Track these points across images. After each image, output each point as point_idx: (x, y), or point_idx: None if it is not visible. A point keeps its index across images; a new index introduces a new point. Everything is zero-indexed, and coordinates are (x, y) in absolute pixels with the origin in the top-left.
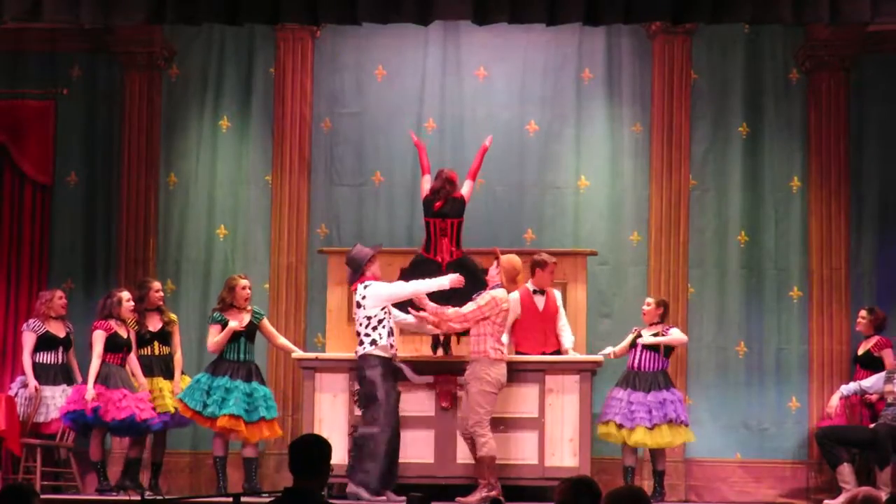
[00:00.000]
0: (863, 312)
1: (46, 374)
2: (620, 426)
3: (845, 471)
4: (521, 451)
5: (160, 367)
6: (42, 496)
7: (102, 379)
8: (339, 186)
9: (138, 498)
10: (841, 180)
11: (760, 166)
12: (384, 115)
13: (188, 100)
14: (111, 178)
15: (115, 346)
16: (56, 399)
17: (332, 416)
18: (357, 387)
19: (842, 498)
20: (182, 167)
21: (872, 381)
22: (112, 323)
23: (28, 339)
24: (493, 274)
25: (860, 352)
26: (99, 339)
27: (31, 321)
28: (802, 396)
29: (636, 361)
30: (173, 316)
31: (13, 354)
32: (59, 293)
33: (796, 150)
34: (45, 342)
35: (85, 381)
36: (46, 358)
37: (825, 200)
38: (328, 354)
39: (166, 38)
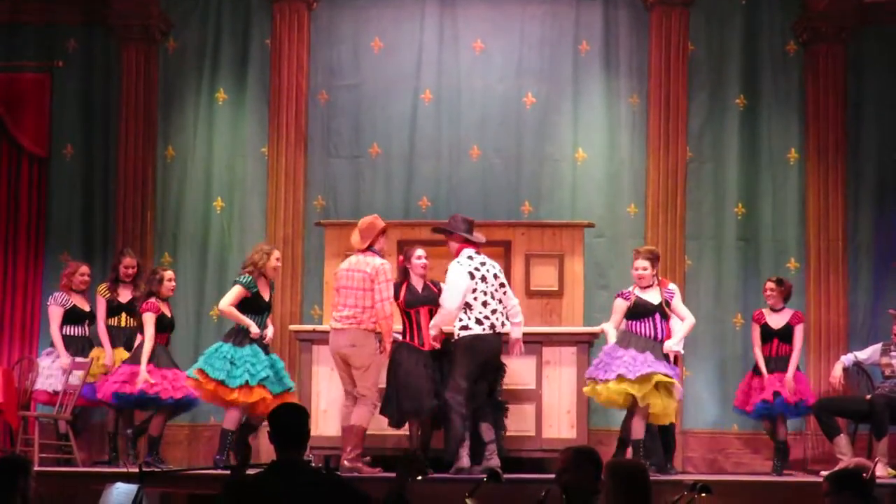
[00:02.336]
0: (770, 284)
1: (74, 347)
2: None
3: (842, 442)
4: (519, 422)
5: (122, 339)
6: (42, 468)
7: (153, 360)
8: (335, 158)
9: (136, 470)
10: (838, 152)
11: (758, 138)
12: (381, 88)
13: (185, 72)
14: (108, 150)
15: (161, 326)
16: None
17: (329, 388)
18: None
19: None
20: (179, 140)
21: (868, 353)
22: (156, 302)
23: (55, 314)
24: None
25: (776, 326)
26: (150, 320)
27: (56, 294)
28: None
29: (656, 332)
30: None
31: (10, 326)
32: (82, 268)
33: (794, 121)
34: (72, 316)
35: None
36: (73, 331)
37: (822, 172)
38: (325, 326)
39: (163, 11)
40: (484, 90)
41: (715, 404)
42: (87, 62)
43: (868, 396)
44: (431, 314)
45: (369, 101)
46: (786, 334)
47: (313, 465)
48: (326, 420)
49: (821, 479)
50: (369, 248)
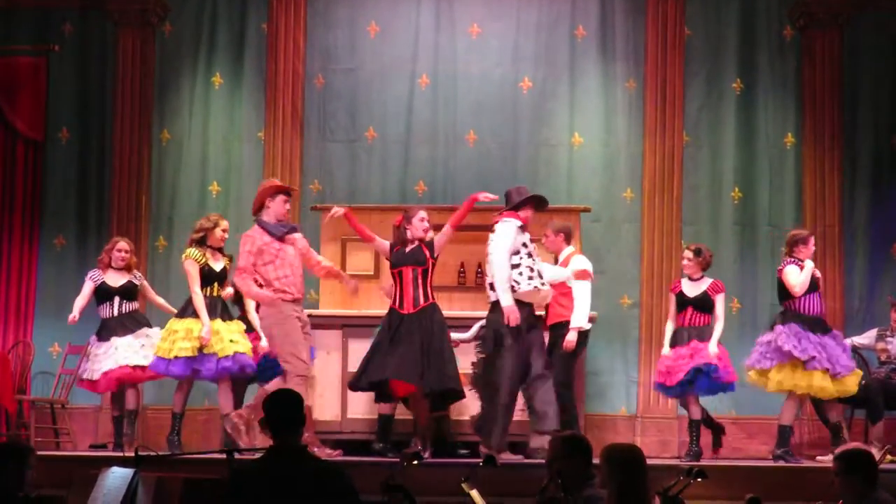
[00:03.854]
0: (688, 254)
1: (108, 328)
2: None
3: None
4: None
5: (217, 310)
6: (38, 452)
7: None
8: (332, 143)
9: (132, 454)
10: (835, 137)
11: (754, 123)
12: (377, 72)
13: (181, 56)
14: (103, 134)
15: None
16: (133, 346)
17: (325, 372)
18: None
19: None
20: (175, 124)
21: (865, 338)
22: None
23: (84, 288)
24: None
25: (692, 294)
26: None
27: (92, 270)
28: None
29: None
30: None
31: (5, 310)
32: (119, 244)
33: (790, 106)
34: (99, 293)
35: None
36: (105, 311)
37: (819, 157)
38: (321, 311)
39: None
40: (480, 75)
41: None
42: (84, 46)
43: (863, 381)
44: (416, 275)
45: (365, 86)
46: (701, 304)
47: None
48: (323, 404)
49: (817, 464)
50: (257, 216)
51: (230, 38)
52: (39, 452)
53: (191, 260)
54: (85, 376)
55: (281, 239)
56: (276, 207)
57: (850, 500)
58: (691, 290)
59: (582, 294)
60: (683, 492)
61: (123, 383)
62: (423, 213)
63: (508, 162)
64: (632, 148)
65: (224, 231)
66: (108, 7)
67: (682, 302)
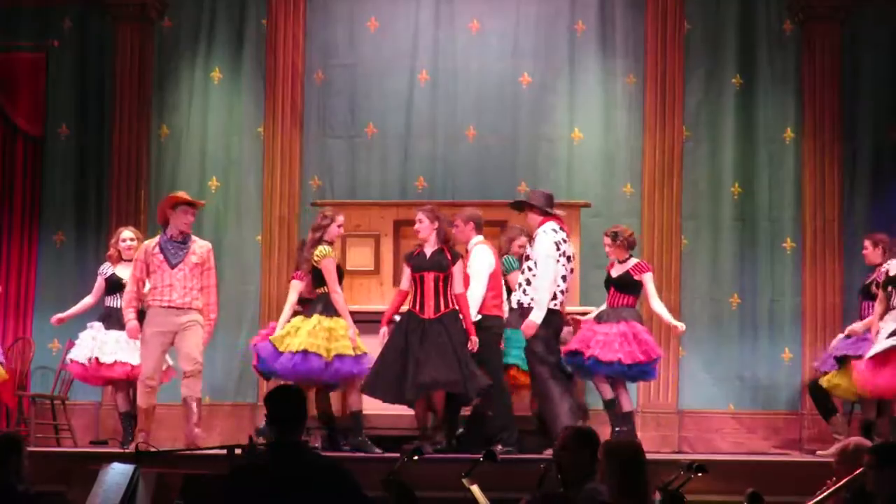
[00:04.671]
0: (607, 240)
1: (115, 318)
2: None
3: (838, 422)
4: (516, 403)
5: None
6: (39, 448)
7: None
8: (331, 138)
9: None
10: (834, 131)
11: (754, 118)
12: (377, 67)
13: (180, 51)
14: (103, 130)
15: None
16: (120, 343)
17: None
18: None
19: (833, 448)
20: (174, 119)
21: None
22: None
23: (96, 284)
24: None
25: (615, 274)
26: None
27: (104, 264)
28: (795, 348)
29: None
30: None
31: (4, 306)
32: (123, 233)
33: (790, 101)
34: (110, 285)
35: None
36: (113, 301)
37: (819, 152)
38: None
39: None
40: (480, 70)
41: (711, 384)
42: (83, 42)
43: None
44: (437, 281)
45: (365, 81)
46: (621, 284)
47: (310, 445)
48: None
49: (817, 459)
50: (162, 230)
51: (229, 33)
52: (39, 449)
53: (330, 258)
54: (71, 356)
55: (173, 267)
56: (178, 219)
57: (886, 494)
58: (616, 270)
59: (477, 288)
60: (684, 486)
61: (122, 380)
62: (420, 215)
63: (508, 157)
64: (631, 143)
65: (339, 227)
66: (107, 2)
67: (606, 282)
